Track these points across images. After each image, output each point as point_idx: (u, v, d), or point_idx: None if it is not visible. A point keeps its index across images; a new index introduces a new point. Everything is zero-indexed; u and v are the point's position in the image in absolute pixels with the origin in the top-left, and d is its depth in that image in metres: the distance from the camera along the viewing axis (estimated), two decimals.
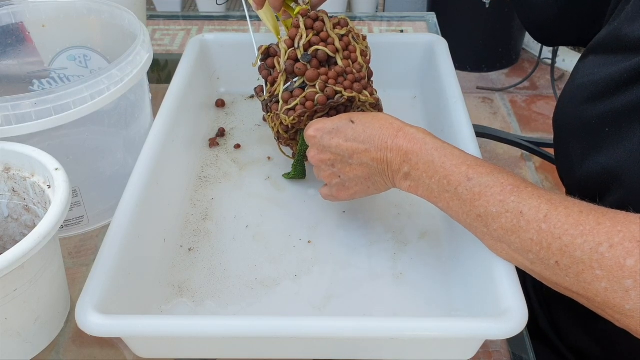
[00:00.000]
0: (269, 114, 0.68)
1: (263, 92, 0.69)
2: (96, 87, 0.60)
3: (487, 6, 2.08)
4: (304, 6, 0.67)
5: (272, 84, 0.67)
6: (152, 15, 1.12)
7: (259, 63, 0.69)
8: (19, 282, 0.49)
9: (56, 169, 0.53)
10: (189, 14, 1.15)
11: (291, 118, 0.64)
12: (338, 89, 0.63)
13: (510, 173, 0.52)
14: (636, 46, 0.57)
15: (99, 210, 0.67)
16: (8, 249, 0.46)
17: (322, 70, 0.64)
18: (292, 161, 0.72)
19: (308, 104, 0.63)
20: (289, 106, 0.64)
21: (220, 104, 0.85)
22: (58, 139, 0.63)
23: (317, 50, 0.64)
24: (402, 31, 1.05)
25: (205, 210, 0.68)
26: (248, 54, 0.80)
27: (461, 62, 2.24)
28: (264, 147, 0.78)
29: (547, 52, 2.17)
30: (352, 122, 0.59)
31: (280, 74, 0.65)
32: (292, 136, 0.68)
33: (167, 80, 0.81)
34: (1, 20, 0.71)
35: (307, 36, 0.64)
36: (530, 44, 2.39)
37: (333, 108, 0.64)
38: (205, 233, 0.66)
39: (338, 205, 0.69)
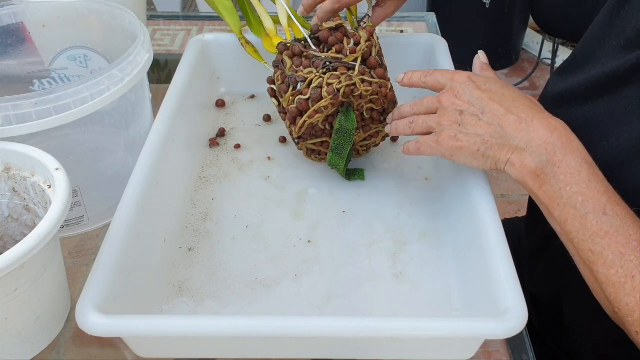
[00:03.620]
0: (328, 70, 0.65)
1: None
2: (96, 87, 0.60)
3: (487, 6, 2.08)
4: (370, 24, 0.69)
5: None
6: (153, 16, 1.12)
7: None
8: (19, 282, 0.49)
9: (56, 169, 0.53)
10: (189, 14, 1.15)
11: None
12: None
13: (637, 220, 0.48)
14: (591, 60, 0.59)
15: (99, 210, 0.67)
16: (8, 249, 0.46)
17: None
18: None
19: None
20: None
21: (221, 104, 0.85)
22: (58, 139, 0.63)
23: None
24: (402, 31, 1.05)
25: (205, 210, 0.68)
26: (248, 54, 0.80)
27: (461, 62, 2.23)
28: (264, 147, 0.78)
29: (547, 52, 2.17)
30: (504, 86, 0.56)
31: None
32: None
33: (168, 80, 0.81)
34: (1, 20, 0.71)
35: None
36: (530, 44, 2.39)
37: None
38: (205, 233, 0.66)
39: (338, 205, 0.69)
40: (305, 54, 0.67)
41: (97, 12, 0.73)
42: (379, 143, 0.73)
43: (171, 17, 1.12)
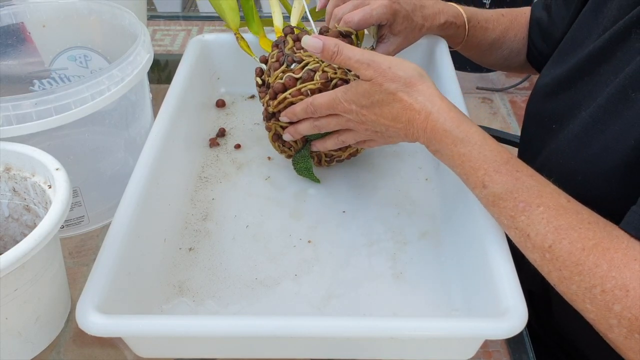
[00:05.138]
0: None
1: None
2: (97, 87, 0.60)
3: (487, 6, 2.08)
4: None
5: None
6: (153, 16, 1.13)
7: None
8: (19, 282, 0.49)
9: (57, 169, 0.53)
10: (189, 14, 1.16)
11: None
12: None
13: (528, 181, 0.51)
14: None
15: (99, 210, 0.67)
16: (9, 249, 0.46)
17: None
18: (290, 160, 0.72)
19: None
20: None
21: (221, 104, 0.85)
22: (59, 139, 0.63)
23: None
24: None
25: (205, 210, 0.68)
26: (248, 54, 0.80)
27: (461, 63, 2.23)
28: (264, 147, 0.78)
29: None
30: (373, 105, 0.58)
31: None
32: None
33: (168, 80, 0.81)
34: (2, 20, 0.71)
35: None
36: None
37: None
38: (205, 233, 0.66)
39: (338, 205, 0.69)
40: None
41: (97, 12, 0.73)
42: (344, 159, 0.72)
43: (171, 17, 1.12)
